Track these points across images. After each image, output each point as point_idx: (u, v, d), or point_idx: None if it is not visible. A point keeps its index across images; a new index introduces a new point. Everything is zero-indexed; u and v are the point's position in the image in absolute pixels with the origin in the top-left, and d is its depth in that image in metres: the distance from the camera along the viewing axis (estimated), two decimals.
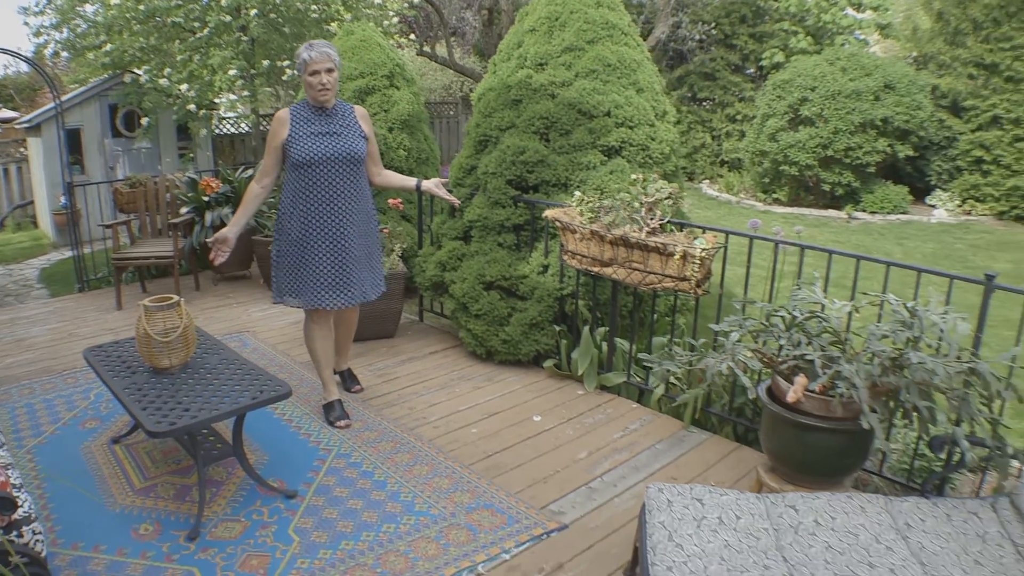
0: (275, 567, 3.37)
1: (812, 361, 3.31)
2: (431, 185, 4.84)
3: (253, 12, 9.48)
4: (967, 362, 3.15)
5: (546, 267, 5.44)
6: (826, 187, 13.96)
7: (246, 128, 14.03)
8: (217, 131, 13.48)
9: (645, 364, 4.49)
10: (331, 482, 4.07)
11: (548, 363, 5.48)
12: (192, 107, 10.06)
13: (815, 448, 3.37)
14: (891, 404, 3.32)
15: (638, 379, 5.22)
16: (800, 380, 3.26)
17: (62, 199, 10.50)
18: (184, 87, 9.80)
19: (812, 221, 13.41)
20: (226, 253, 4.43)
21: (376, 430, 4.65)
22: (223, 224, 7.44)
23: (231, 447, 3.92)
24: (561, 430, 4.70)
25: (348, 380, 5.26)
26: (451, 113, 19.93)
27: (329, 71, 4.32)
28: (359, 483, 4.07)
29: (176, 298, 3.97)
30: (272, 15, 10.03)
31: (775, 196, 14.83)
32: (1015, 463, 3.40)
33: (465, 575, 3.36)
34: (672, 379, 4.85)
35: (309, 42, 4.37)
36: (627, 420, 4.85)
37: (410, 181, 4.87)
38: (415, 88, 7.69)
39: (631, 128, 5.50)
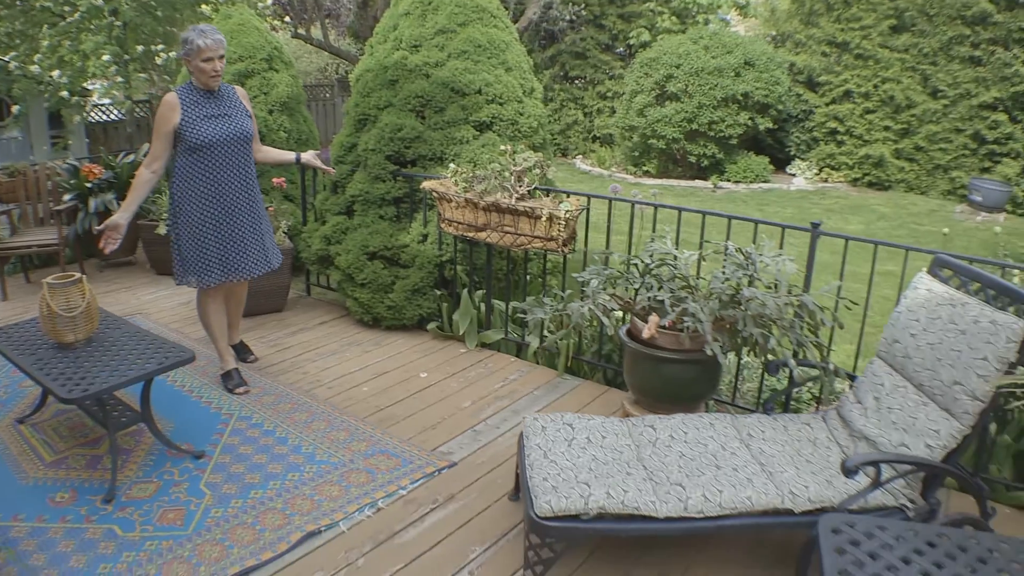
0: (191, 518, 3.65)
1: (663, 302, 3.80)
2: (309, 157, 5.16)
3: None
4: (795, 296, 3.68)
5: (425, 236, 5.81)
6: (692, 159, 14.70)
7: (120, 115, 13.84)
8: (90, 118, 13.27)
9: (521, 319, 4.93)
10: (235, 442, 4.36)
11: (431, 325, 5.88)
12: (65, 94, 9.81)
13: (670, 378, 3.86)
14: (732, 335, 3.83)
15: (515, 336, 5.66)
16: (653, 318, 3.75)
17: None
18: (56, 73, 9.57)
19: (680, 191, 14.10)
20: (117, 240, 4.55)
21: (274, 394, 4.94)
22: (107, 211, 7.45)
23: (139, 414, 4.15)
24: (446, 384, 5.10)
25: (242, 351, 5.48)
26: (327, 95, 19.97)
27: (221, 58, 4.52)
28: (262, 440, 4.37)
29: (78, 275, 4.15)
30: None
31: (645, 169, 15.52)
32: (840, 381, 3.97)
33: (367, 510, 3.73)
34: (546, 332, 5.31)
35: (197, 27, 4.49)
36: (506, 372, 5.29)
37: (289, 155, 5.16)
38: (293, 71, 7.90)
39: (501, 104, 5.90)
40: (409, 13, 6.18)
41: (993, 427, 4.10)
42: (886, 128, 14.70)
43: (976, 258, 3.80)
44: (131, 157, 8.21)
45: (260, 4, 12.28)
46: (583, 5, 17.95)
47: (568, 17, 17.98)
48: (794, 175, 15.30)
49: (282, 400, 4.86)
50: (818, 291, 3.82)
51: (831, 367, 3.76)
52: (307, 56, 21.82)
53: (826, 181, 15.08)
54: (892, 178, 14.69)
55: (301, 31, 18.72)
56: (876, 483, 2.98)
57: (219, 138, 4.57)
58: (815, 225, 4.15)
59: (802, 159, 15.53)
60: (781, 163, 15.86)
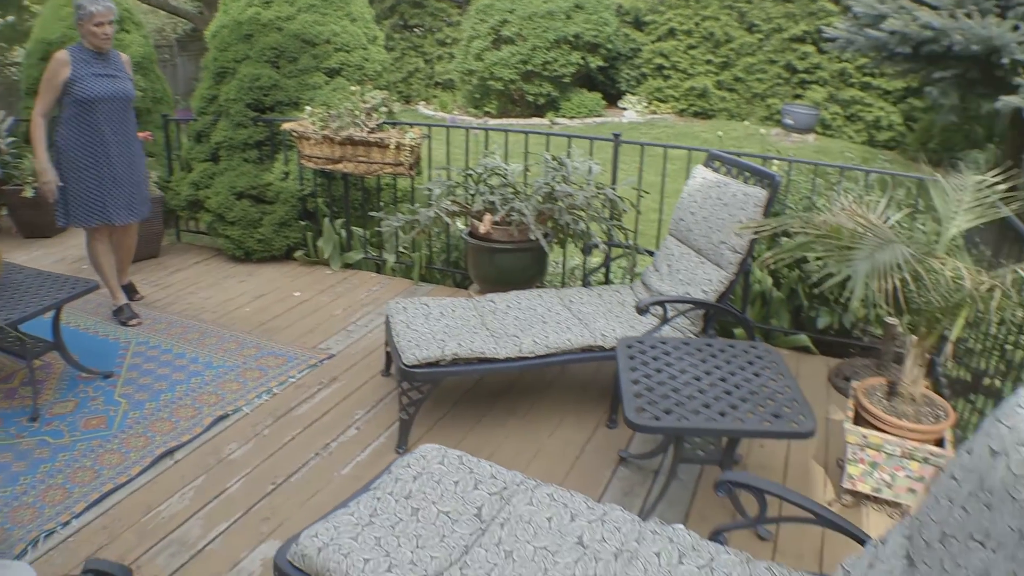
0: (112, 421, 4.23)
1: (495, 203, 4.62)
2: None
3: None
4: (599, 188, 4.56)
5: (287, 174, 6.46)
6: (530, 98, 15.58)
7: None
8: None
9: (378, 241, 5.67)
10: (138, 362, 4.92)
11: (299, 253, 6.56)
12: None
13: (504, 266, 4.71)
14: (554, 227, 4.70)
15: (373, 254, 6.41)
16: (487, 216, 4.56)
17: None
18: None
19: (520, 128, 14.94)
20: (54, 189, 5.10)
21: (164, 322, 5.50)
22: None
23: (52, 343, 4.62)
24: (318, 299, 5.81)
25: (130, 292, 5.90)
26: (167, 56, 19.89)
27: (111, 23, 5.04)
28: (162, 358, 4.96)
29: None
30: None
31: (486, 110, 16.33)
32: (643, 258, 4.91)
33: (264, 396, 4.43)
34: (400, 248, 6.08)
35: None
36: (369, 285, 6.06)
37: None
38: (144, 31, 8.27)
39: (348, 52, 6.57)
40: None
41: (770, 286, 5.12)
42: (708, 62, 15.91)
43: (742, 152, 4.77)
44: None
45: None
46: None
47: None
48: (625, 109, 16.38)
49: (173, 326, 5.44)
50: (621, 185, 4.74)
51: (634, 245, 4.68)
52: (143, 17, 21.51)
53: (655, 113, 16.22)
54: (715, 107, 15.93)
55: None
56: (664, 320, 3.90)
57: (105, 95, 5.07)
58: (616, 136, 5.07)
59: (632, 94, 16.62)
60: (613, 98, 16.92)
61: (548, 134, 5.38)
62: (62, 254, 7.20)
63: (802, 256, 4.73)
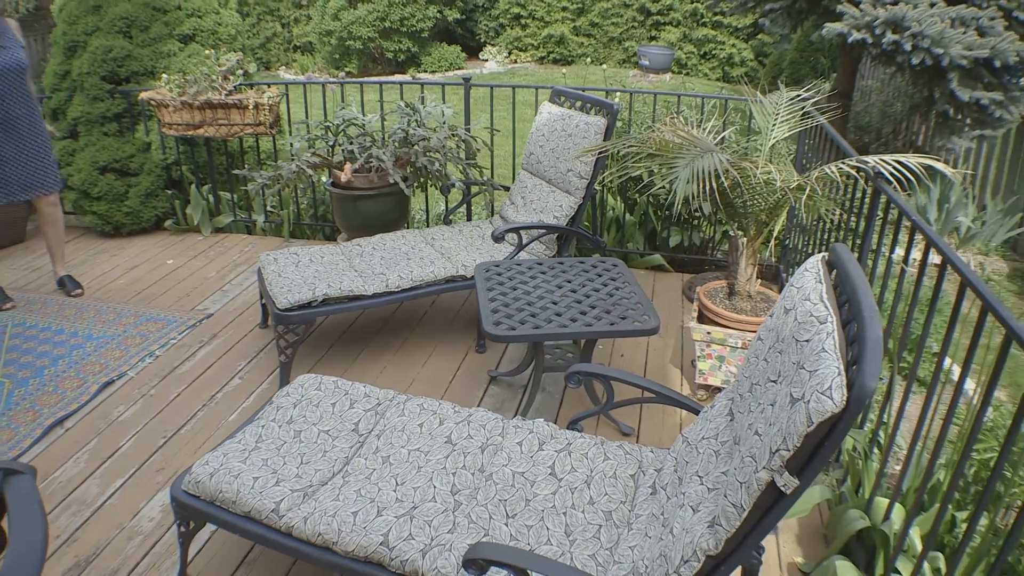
0: None
1: (354, 152, 4.81)
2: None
3: None
4: (451, 129, 4.80)
5: (149, 144, 6.48)
6: (390, 55, 15.62)
7: None
8: None
9: (246, 188, 5.79)
10: (17, 343, 4.94)
11: (168, 223, 6.60)
12: None
13: (367, 212, 4.93)
14: (412, 171, 4.92)
15: (243, 217, 6.52)
16: (347, 165, 4.76)
17: None
18: None
19: (374, 81, 15.00)
20: None
21: (39, 303, 5.49)
22: None
23: None
24: (191, 264, 5.91)
25: (69, 285, 5.66)
26: None
27: None
28: (41, 336, 4.99)
29: None
30: None
31: (347, 70, 16.29)
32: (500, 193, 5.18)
33: (147, 360, 4.55)
34: (268, 207, 6.21)
35: None
36: (242, 246, 6.18)
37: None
38: None
39: (200, 17, 6.60)
40: None
41: (623, 211, 5.46)
42: (564, 9, 16.19)
43: (587, 87, 5.07)
44: None
45: None
46: None
47: None
48: (487, 60, 16.57)
49: (48, 305, 5.44)
50: (473, 126, 5.01)
51: (490, 181, 4.95)
52: None
53: (516, 63, 16.46)
54: (574, 53, 16.26)
55: None
56: (520, 247, 4.18)
57: None
58: (466, 79, 5.31)
59: (492, 45, 16.81)
60: (473, 51, 17.08)
61: (402, 83, 5.59)
62: None
63: (649, 182, 5.08)
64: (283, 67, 18.27)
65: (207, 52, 5.90)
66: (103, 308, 5.29)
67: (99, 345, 4.78)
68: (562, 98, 4.75)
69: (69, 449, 3.79)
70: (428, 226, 5.93)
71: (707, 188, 3.33)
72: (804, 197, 3.42)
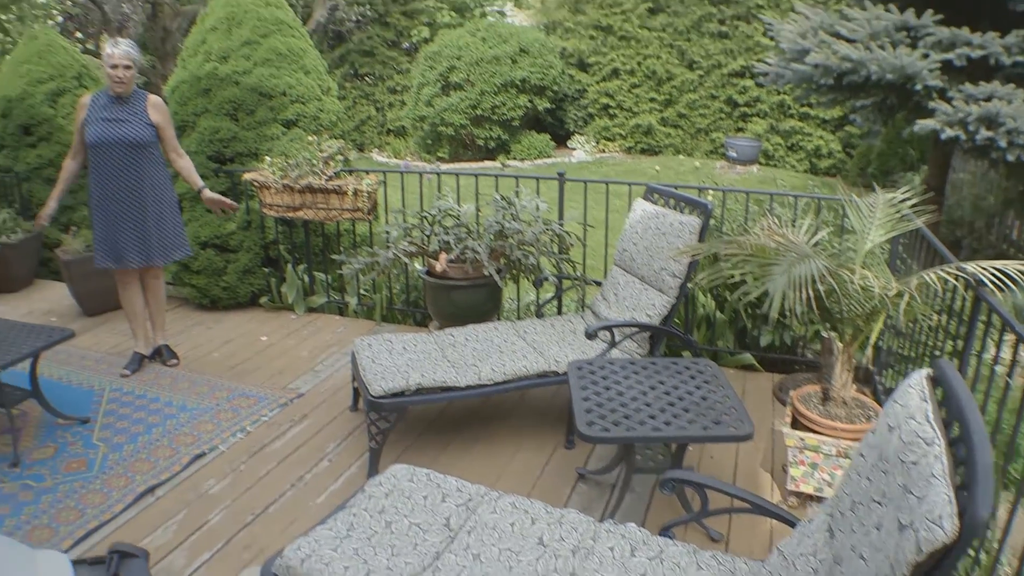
0: (93, 463, 4.40)
1: (449, 242, 4.90)
2: (208, 195, 5.54)
3: None
4: (546, 224, 4.86)
5: (249, 222, 6.70)
6: (480, 142, 15.96)
7: None
8: None
9: (341, 272, 5.91)
10: (114, 407, 5.09)
11: (263, 299, 6.78)
12: None
13: (461, 302, 4.99)
14: (506, 262, 4.99)
15: (336, 298, 6.66)
16: (442, 255, 4.84)
17: None
18: None
19: (470, 172, 15.27)
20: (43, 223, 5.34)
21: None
22: None
23: (28, 391, 4.78)
24: (284, 342, 6.04)
25: (166, 354, 5.77)
26: None
27: (127, 67, 5.07)
28: (137, 403, 5.14)
29: None
30: None
31: (438, 155, 16.68)
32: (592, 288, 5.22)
33: (239, 435, 4.64)
34: (361, 290, 6.33)
35: (112, 39, 5.15)
36: (333, 327, 6.29)
37: (197, 182, 5.56)
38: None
39: (303, 104, 6.85)
40: (216, 28, 7.01)
41: (714, 309, 5.43)
42: (651, 100, 16.42)
43: (679, 184, 5.11)
44: None
45: (50, 22, 12.46)
46: (368, 5, 18.84)
47: (354, 17, 18.83)
48: (575, 149, 16.82)
49: (145, 373, 5.59)
50: (567, 221, 5.08)
51: (583, 276, 4.99)
52: (96, 71, 21.61)
53: (604, 152, 16.67)
54: (661, 144, 16.42)
55: (89, 46, 18.77)
56: (612, 344, 4.19)
57: (107, 140, 5.10)
58: (560, 174, 5.41)
59: (580, 134, 17.07)
60: (562, 139, 17.36)
61: (497, 175, 5.72)
62: (28, 307, 7.32)
63: (740, 280, 5.06)
64: (376, 149, 18.79)
65: (310, 138, 6.11)
66: (197, 380, 5.41)
67: (192, 417, 4.89)
68: (655, 196, 4.79)
69: (158, 518, 3.86)
70: (519, 317, 5.98)
71: (804, 296, 3.31)
72: (903, 305, 3.38)
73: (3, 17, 11.65)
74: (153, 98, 5.30)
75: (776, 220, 4.37)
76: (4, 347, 4.54)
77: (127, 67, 5.09)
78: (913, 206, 3.99)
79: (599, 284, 5.02)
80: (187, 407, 5.03)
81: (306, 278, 6.71)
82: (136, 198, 5.27)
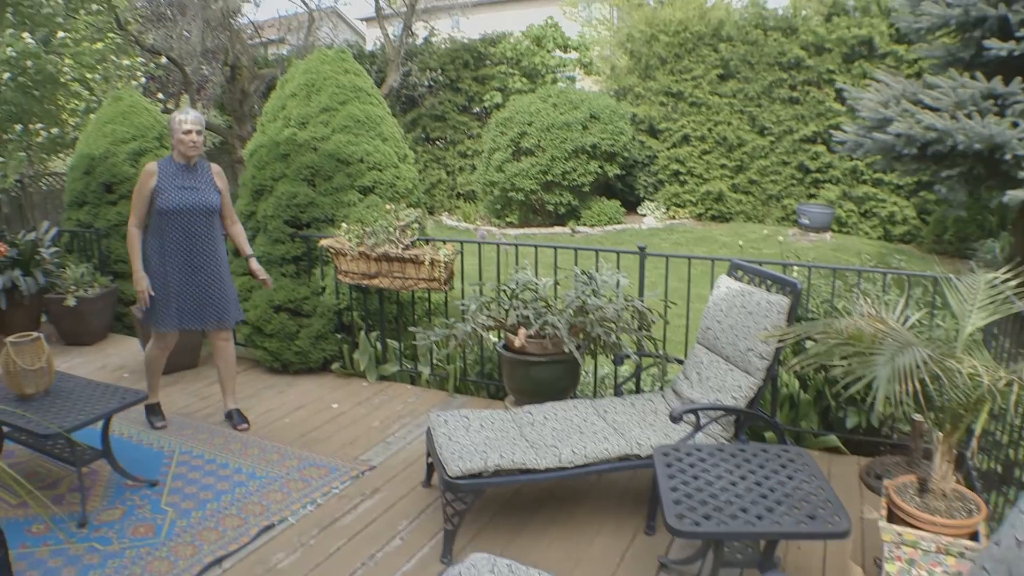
0: (160, 529, 4.36)
1: (528, 317, 4.81)
2: (256, 266, 5.75)
3: (5, 76, 9.78)
4: (628, 301, 4.75)
5: (324, 288, 6.70)
6: (550, 208, 15.96)
7: None
8: None
9: (413, 353, 5.85)
10: (183, 471, 5.08)
11: (335, 365, 6.74)
12: None
13: (539, 378, 4.88)
14: (585, 338, 4.88)
15: (408, 367, 6.59)
16: (521, 330, 4.76)
17: None
18: None
19: (541, 238, 15.27)
20: (146, 297, 5.32)
21: (206, 432, 5.67)
22: (15, 287, 7.86)
23: (99, 451, 4.81)
24: (355, 411, 5.97)
25: (236, 418, 5.82)
26: None
27: (199, 133, 5.29)
28: (206, 467, 5.12)
29: (36, 334, 4.84)
30: (21, 79, 10.24)
31: (508, 220, 16.72)
32: (672, 366, 5.07)
33: (309, 507, 4.56)
34: (435, 360, 6.26)
35: (180, 110, 5.33)
36: (405, 397, 6.21)
37: (246, 249, 5.77)
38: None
39: (380, 171, 6.88)
40: (295, 95, 7.10)
41: (797, 388, 5.25)
42: (722, 166, 16.30)
43: (763, 260, 4.97)
44: (32, 235, 8.54)
45: (135, 83, 12.78)
46: (440, 71, 19.13)
47: (426, 82, 19.14)
48: (644, 215, 16.73)
49: (215, 436, 5.59)
50: (648, 297, 4.95)
51: (664, 354, 4.85)
52: None
53: (674, 218, 16.56)
54: (732, 210, 16.25)
55: (170, 106, 19.32)
56: (697, 428, 4.04)
57: (183, 206, 5.29)
58: (641, 248, 5.29)
59: (650, 200, 17.00)
60: (632, 205, 17.30)
61: (576, 248, 5.61)
62: (102, 362, 7.44)
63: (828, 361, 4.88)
64: (446, 213, 18.93)
65: (387, 206, 6.10)
66: (268, 447, 5.36)
67: (262, 485, 4.82)
68: (740, 272, 4.66)
69: None
70: (596, 392, 5.83)
71: (910, 388, 3.14)
72: (1014, 397, 3.19)
73: (89, 76, 11.96)
74: (215, 167, 5.53)
75: (867, 300, 4.20)
76: (79, 406, 4.59)
77: (199, 132, 5.29)
78: (1017, 287, 3.81)
79: (680, 362, 4.88)
80: (257, 475, 4.98)
81: (379, 345, 6.66)
82: (210, 262, 5.45)
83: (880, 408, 3.01)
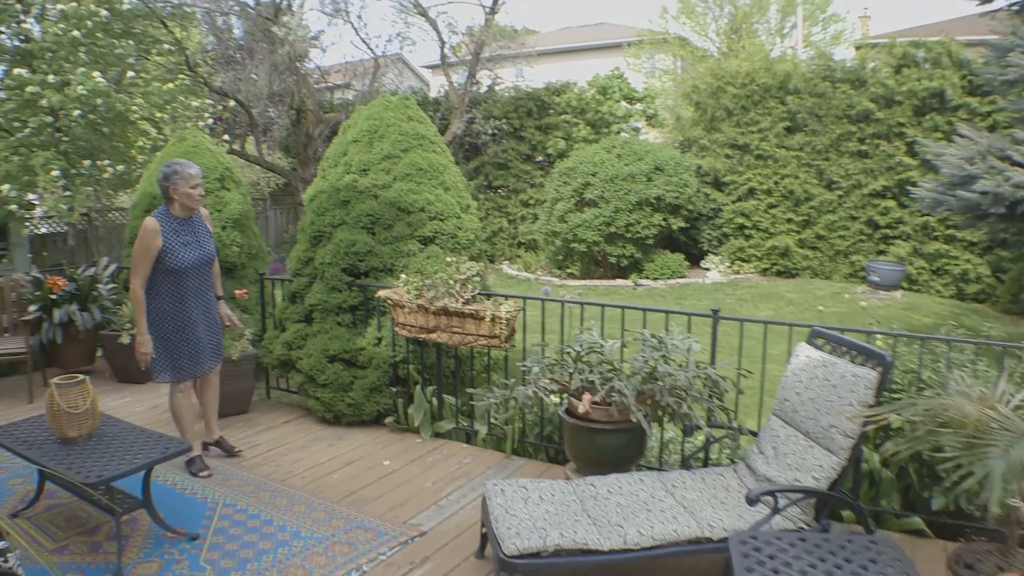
0: None
1: (594, 382, 4.54)
2: (225, 310, 5.85)
3: (76, 113, 9.91)
4: (701, 369, 4.46)
5: (380, 339, 6.49)
6: (613, 260, 15.70)
7: (62, 227, 13.98)
8: (32, 231, 13.51)
9: (470, 410, 5.62)
10: (225, 525, 4.89)
11: (389, 420, 6.51)
12: (13, 207, 10.19)
13: (604, 446, 4.60)
14: (653, 406, 4.59)
15: (464, 424, 6.33)
16: (586, 396, 4.49)
17: None
18: (6, 188, 9.91)
19: (603, 291, 15.01)
20: (149, 356, 5.32)
21: (252, 484, 5.48)
22: (71, 321, 7.89)
23: (139, 500, 4.64)
24: (408, 469, 5.72)
25: (225, 446, 5.98)
26: (260, 209, 20.67)
27: (201, 184, 5.41)
28: (249, 523, 4.91)
29: (81, 376, 4.71)
30: (91, 116, 10.38)
31: (569, 271, 16.49)
32: (745, 438, 4.75)
33: (353, 574, 4.31)
34: (492, 418, 6.01)
35: (179, 161, 5.34)
36: (460, 456, 5.94)
37: (219, 290, 5.83)
38: (243, 189, 8.56)
39: (442, 221, 6.69)
40: (358, 141, 6.98)
41: (878, 464, 4.89)
42: (789, 220, 15.93)
43: (845, 328, 4.65)
44: (92, 270, 8.54)
45: (202, 123, 12.92)
46: (504, 119, 19.10)
47: (490, 130, 19.11)
48: (708, 269, 16.40)
49: (261, 489, 5.39)
50: (721, 364, 4.64)
51: (737, 426, 4.54)
52: (240, 171, 22.40)
53: (738, 273, 16.20)
54: (798, 266, 15.84)
55: (235, 147, 19.55)
56: (775, 510, 3.72)
57: (192, 263, 5.36)
58: (715, 311, 4.99)
59: (714, 254, 16.66)
60: (695, 259, 16.98)
61: (644, 309, 5.31)
62: (154, 402, 7.37)
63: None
64: (507, 261, 18.79)
65: (448, 259, 5.90)
66: (315, 504, 5.15)
67: (306, 546, 4.60)
68: (821, 340, 4.35)
69: None
70: (661, 459, 5.48)
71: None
72: None
73: (158, 116, 12.08)
74: (203, 210, 5.61)
75: (963, 377, 3.88)
76: (120, 454, 4.47)
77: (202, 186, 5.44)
78: None
79: (754, 433, 4.57)
80: (301, 534, 4.75)
81: (435, 401, 6.42)
82: (210, 308, 5.65)
83: (996, 510, 2.69)
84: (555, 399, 5.05)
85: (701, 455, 5.12)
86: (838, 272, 15.60)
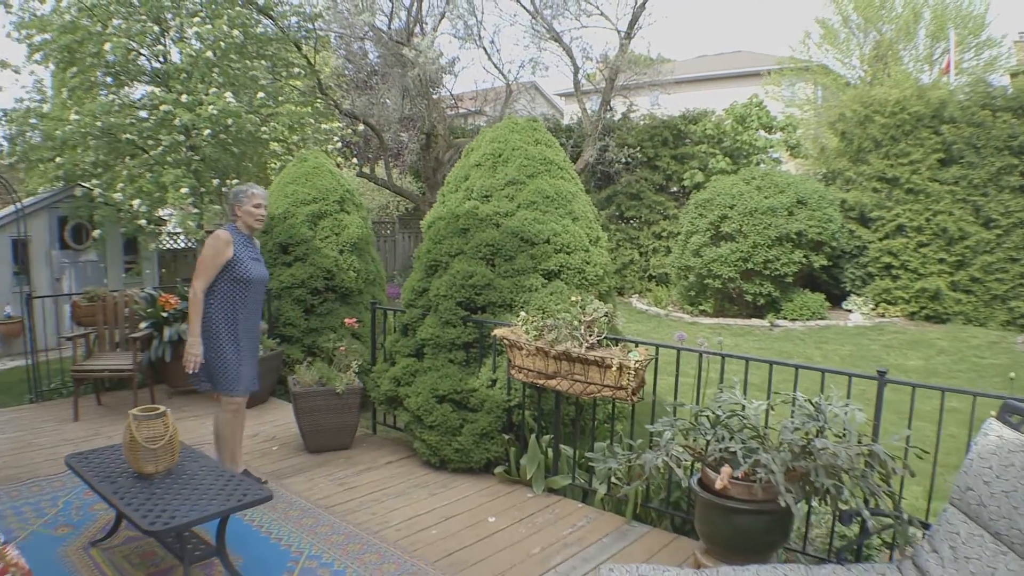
0: None
1: (735, 452, 3.88)
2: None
3: (206, 132, 10.04)
4: (865, 445, 3.74)
5: (494, 381, 5.95)
6: (748, 297, 14.83)
7: (191, 243, 14.32)
8: (161, 246, 13.87)
9: (590, 464, 5.01)
10: None
11: (499, 469, 5.94)
12: (143, 222, 10.55)
13: (742, 528, 3.90)
14: (804, 486, 3.88)
15: (582, 481, 5.69)
16: (725, 469, 3.82)
17: (7, 309, 10.73)
18: (137, 203, 10.24)
19: (737, 330, 14.17)
20: (197, 364, 5.28)
21: (342, 533, 5.00)
22: (181, 340, 7.70)
23: (213, 548, 4.25)
24: (515, 529, 5.14)
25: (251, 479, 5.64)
26: (388, 232, 20.62)
27: (265, 207, 5.58)
28: None
29: (162, 408, 4.37)
30: (222, 135, 10.60)
31: (701, 308, 15.68)
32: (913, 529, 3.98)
33: None
34: (613, 478, 5.37)
35: (250, 184, 5.58)
36: (574, 518, 5.31)
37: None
38: (363, 212, 8.22)
39: (568, 254, 6.11)
40: (480, 164, 6.49)
41: None
42: (940, 261, 14.75)
43: None
44: None
45: (330, 146, 12.97)
46: (638, 147, 18.53)
47: (623, 159, 18.56)
48: (850, 311, 15.35)
49: (351, 540, 4.92)
50: (888, 438, 3.88)
51: (904, 516, 3.78)
52: (370, 193, 22.60)
53: (883, 316, 15.09)
54: (949, 311, 14.64)
55: (365, 169, 19.55)
56: None
57: (258, 277, 5.49)
58: (881, 373, 4.23)
59: (858, 294, 15.60)
60: (837, 299, 15.94)
61: (797, 366, 4.56)
62: (256, 428, 7.19)
63: None
64: (636, 295, 18.14)
65: (574, 297, 5.30)
66: (406, 564, 4.63)
67: None
68: (1018, 417, 3.56)
69: None
70: (806, 541, 4.70)
71: None
72: None
73: (290, 138, 12.15)
74: (256, 241, 5.71)
75: None
76: (195, 497, 4.12)
77: (266, 207, 5.59)
78: None
79: (925, 525, 3.81)
80: None
81: (550, 452, 5.81)
82: (256, 329, 5.69)
83: None
84: (687, 463, 4.36)
85: (854, 547, 4.36)
86: (994, 319, 14.31)
